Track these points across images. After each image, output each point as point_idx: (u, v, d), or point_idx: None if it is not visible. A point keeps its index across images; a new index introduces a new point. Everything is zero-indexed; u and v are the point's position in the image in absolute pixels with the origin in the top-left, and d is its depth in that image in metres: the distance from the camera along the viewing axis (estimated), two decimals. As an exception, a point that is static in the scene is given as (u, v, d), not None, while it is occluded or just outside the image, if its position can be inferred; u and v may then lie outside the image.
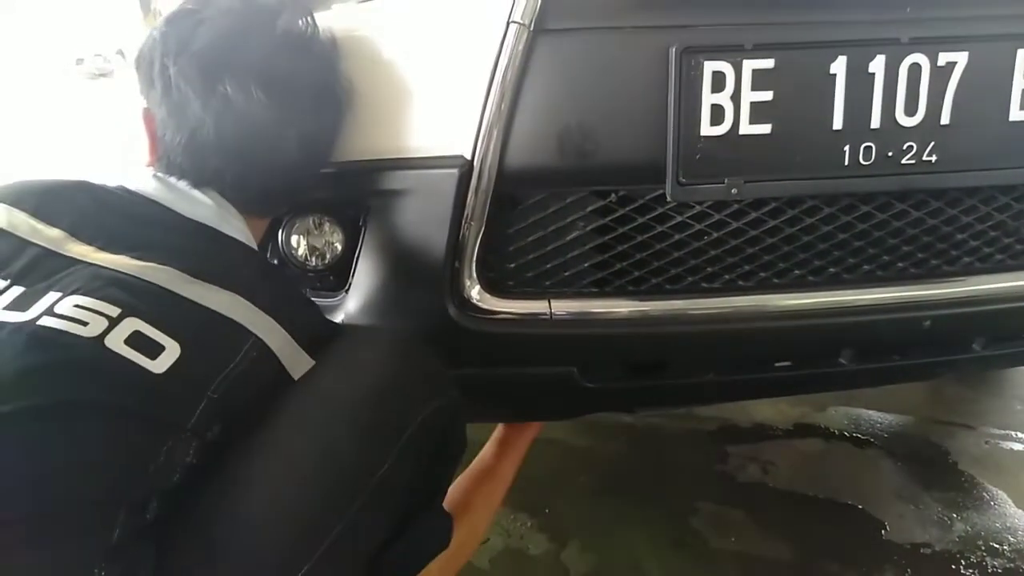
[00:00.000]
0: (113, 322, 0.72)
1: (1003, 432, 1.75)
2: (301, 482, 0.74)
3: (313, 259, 1.13)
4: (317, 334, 0.88)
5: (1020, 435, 1.74)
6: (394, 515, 0.84)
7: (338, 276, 1.11)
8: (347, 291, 1.08)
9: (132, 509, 0.67)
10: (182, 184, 0.93)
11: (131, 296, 0.75)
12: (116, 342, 0.71)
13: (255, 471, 0.74)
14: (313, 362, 0.84)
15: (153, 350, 0.72)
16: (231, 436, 0.76)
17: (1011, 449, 1.70)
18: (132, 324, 0.72)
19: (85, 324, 0.71)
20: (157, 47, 0.92)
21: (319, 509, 0.74)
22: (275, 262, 1.13)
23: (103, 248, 0.81)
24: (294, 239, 1.13)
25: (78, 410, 0.67)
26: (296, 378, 0.83)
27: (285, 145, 0.94)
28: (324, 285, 1.12)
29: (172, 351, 0.73)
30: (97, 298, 0.74)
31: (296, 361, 0.83)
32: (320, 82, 0.97)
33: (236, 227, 0.93)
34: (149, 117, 0.95)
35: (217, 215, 0.91)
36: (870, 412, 1.82)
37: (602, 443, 1.69)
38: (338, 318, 1.07)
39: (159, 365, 0.72)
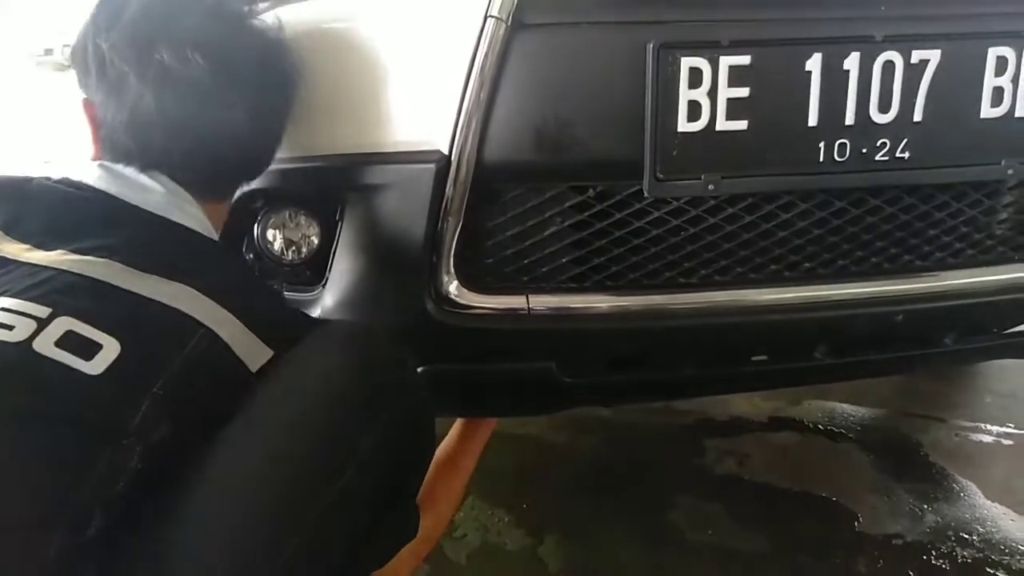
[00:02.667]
0: (42, 323, 0.68)
1: (973, 425, 1.78)
2: (254, 492, 0.69)
3: (289, 253, 1.13)
4: (277, 322, 0.84)
5: (990, 427, 1.77)
6: (360, 521, 0.78)
7: (315, 270, 1.10)
8: (324, 286, 1.08)
9: (69, 528, 0.62)
10: (129, 171, 0.89)
11: (64, 294, 0.72)
12: (45, 345, 0.67)
13: (206, 481, 0.69)
14: (271, 352, 0.80)
15: (89, 350, 0.68)
16: (183, 436, 0.71)
17: (981, 441, 1.73)
18: (64, 324, 0.69)
19: (11, 328, 0.67)
20: (89, 30, 0.89)
21: (273, 521, 0.68)
22: (251, 256, 1.12)
23: (38, 246, 0.77)
24: (270, 233, 1.12)
25: (1, 423, 0.63)
26: (254, 369, 0.78)
27: (232, 116, 0.90)
28: (301, 279, 1.11)
29: (110, 349, 0.69)
30: (25, 299, 0.70)
31: (252, 351, 0.79)
32: (261, 56, 0.95)
33: (190, 213, 0.89)
34: (89, 105, 0.91)
35: (167, 201, 0.88)
36: (844, 406, 1.85)
37: (579, 438, 1.70)
38: (315, 312, 1.07)
39: (95, 366, 0.68)
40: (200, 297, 0.78)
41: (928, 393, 1.94)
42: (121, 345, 0.70)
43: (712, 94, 0.93)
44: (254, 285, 0.94)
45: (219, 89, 0.89)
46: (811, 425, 1.77)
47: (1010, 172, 1.02)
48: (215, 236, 0.95)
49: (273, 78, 0.96)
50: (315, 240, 1.10)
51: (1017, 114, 0.99)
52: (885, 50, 0.94)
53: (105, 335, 0.70)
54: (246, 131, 0.92)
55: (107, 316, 0.72)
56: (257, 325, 0.80)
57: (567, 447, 1.68)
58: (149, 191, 0.88)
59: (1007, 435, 1.74)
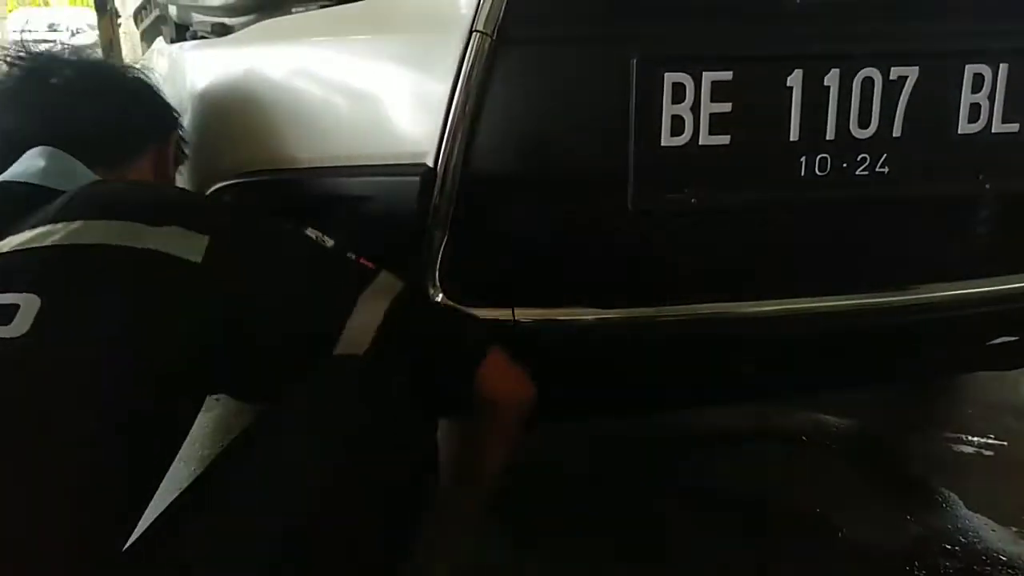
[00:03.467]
0: None
1: (956, 436, 1.79)
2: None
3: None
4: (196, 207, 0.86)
5: (972, 438, 1.78)
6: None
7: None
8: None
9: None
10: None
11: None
12: None
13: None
14: (207, 236, 0.78)
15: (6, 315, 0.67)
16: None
17: (963, 452, 1.74)
18: None
19: None
20: None
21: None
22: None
23: None
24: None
25: None
26: (198, 260, 0.76)
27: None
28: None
29: (30, 306, 0.68)
30: None
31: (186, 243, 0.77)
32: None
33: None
34: None
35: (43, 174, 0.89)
36: (828, 416, 1.85)
37: (561, 449, 1.70)
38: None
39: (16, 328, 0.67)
40: (116, 224, 0.77)
41: (912, 404, 1.95)
42: (40, 299, 0.69)
43: (695, 109, 0.94)
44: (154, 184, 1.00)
45: None
46: (795, 436, 1.78)
47: (988, 187, 1.04)
48: None
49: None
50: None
51: (994, 130, 1.01)
52: (864, 67, 0.96)
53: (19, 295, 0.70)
54: None
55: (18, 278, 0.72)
56: (200, 224, 0.79)
57: (549, 459, 1.67)
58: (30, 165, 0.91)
59: (988, 446, 1.75)
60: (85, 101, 1.00)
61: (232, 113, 1.09)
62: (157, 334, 0.74)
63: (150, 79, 1.13)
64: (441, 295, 1.01)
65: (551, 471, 1.65)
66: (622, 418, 1.66)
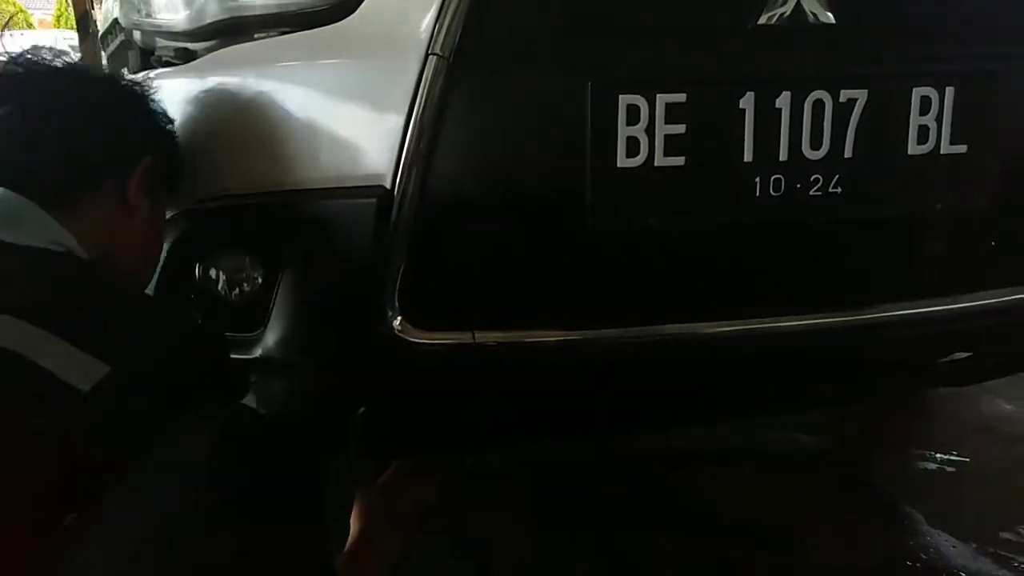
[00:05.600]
0: None
1: (919, 452, 1.81)
2: None
3: (232, 293, 1.11)
4: (111, 333, 0.76)
5: (935, 455, 1.80)
6: None
7: (257, 310, 1.08)
8: (265, 326, 1.06)
9: None
10: None
11: None
12: None
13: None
14: (98, 361, 0.71)
15: None
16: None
17: (926, 469, 1.76)
18: None
19: None
20: None
21: None
22: (192, 297, 1.10)
23: None
24: (212, 272, 1.10)
25: None
26: (87, 388, 0.70)
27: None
28: (243, 320, 1.10)
29: None
30: None
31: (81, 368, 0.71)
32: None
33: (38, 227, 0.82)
34: None
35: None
36: (798, 435, 1.87)
37: (528, 473, 1.69)
38: (254, 354, 1.05)
39: None
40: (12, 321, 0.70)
41: (875, 422, 1.97)
42: None
43: (650, 131, 0.95)
44: (85, 294, 0.82)
45: None
46: (766, 455, 1.79)
47: (939, 206, 1.06)
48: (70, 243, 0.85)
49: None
50: (257, 279, 1.08)
51: (942, 151, 1.03)
52: (814, 89, 0.98)
53: None
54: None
55: None
56: (84, 340, 0.72)
57: (520, 483, 1.66)
58: None
59: (950, 462, 1.77)
60: (31, 120, 0.88)
61: (194, 138, 1.08)
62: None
63: (132, 88, 1.01)
64: (399, 319, 1.01)
65: (518, 495, 1.64)
66: (585, 440, 1.65)
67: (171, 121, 1.05)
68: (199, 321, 1.10)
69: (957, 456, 1.80)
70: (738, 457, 1.78)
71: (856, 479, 1.72)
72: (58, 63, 0.95)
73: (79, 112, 0.92)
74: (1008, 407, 2.02)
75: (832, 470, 1.75)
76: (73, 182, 0.89)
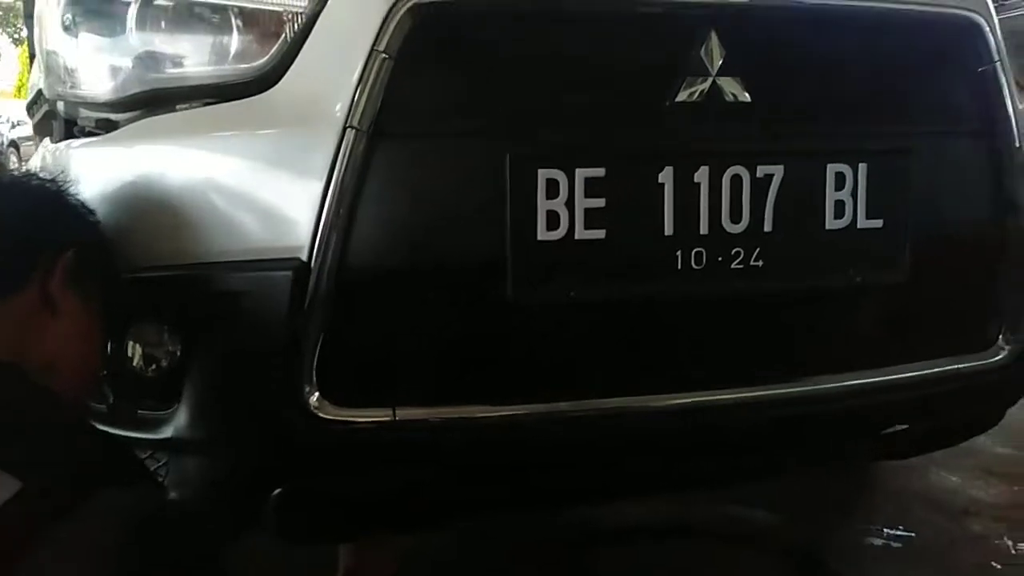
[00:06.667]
0: None
1: (865, 527, 1.79)
2: None
3: (148, 369, 1.07)
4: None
5: (881, 529, 1.78)
6: None
7: (171, 387, 1.04)
8: (179, 403, 1.02)
9: None
10: None
11: None
12: None
13: None
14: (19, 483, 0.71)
15: None
16: None
17: (872, 544, 1.73)
18: None
19: None
20: None
21: None
22: (106, 373, 1.07)
23: None
24: (129, 346, 1.06)
25: None
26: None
27: None
28: (157, 396, 1.06)
29: None
30: None
31: None
32: None
33: None
34: None
35: None
36: (740, 508, 1.84)
37: (459, 551, 1.63)
38: (167, 433, 1.01)
39: None
40: None
41: (821, 495, 1.94)
42: None
43: (570, 204, 0.96)
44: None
45: None
46: (707, 530, 1.75)
47: (858, 279, 1.08)
48: None
49: None
50: (172, 355, 1.05)
51: (859, 226, 1.05)
52: (732, 165, 0.99)
53: None
54: None
55: None
56: None
57: (448, 562, 1.60)
58: None
59: (897, 537, 1.75)
60: None
61: (111, 209, 1.06)
62: None
63: (46, 186, 1.01)
64: (316, 395, 0.98)
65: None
66: (520, 516, 1.60)
67: (92, 212, 1.03)
68: (112, 398, 1.06)
69: (904, 531, 1.78)
70: (679, 532, 1.74)
71: (802, 554, 1.68)
72: None
73: None
74: (954, 479, 2.02)
75: (776, 545, 1.71)
76: None
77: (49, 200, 1.00)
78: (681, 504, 1.81)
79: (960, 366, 1.19)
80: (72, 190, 1.02)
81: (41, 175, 1.02)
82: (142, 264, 1.02)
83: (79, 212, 1.01)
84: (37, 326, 0.94)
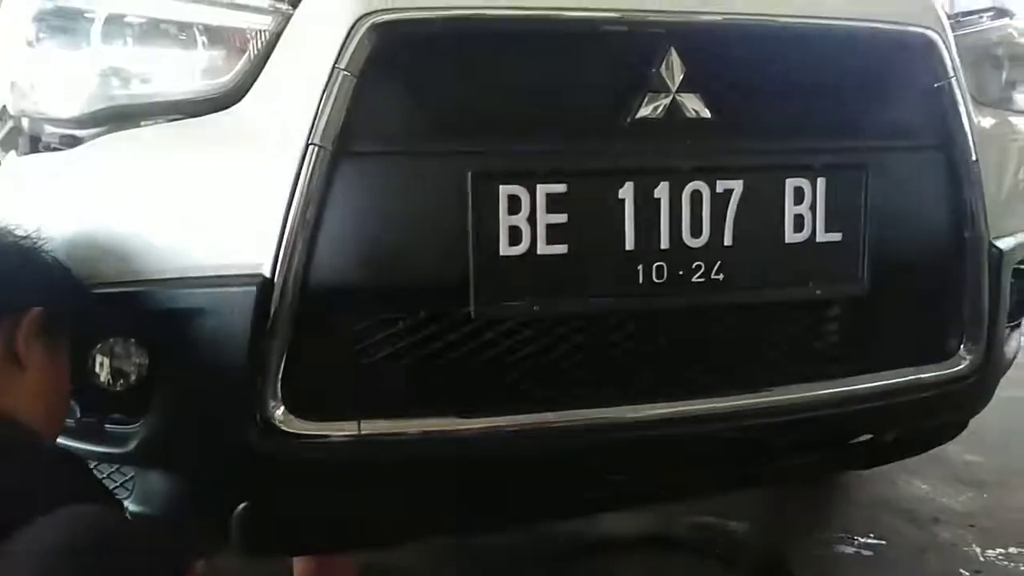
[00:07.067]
0: None
1: (837, 536, 1.80)
2: None
3: (117, 384, 1.07)
4: None
5: (852, 538, 1.80)
6: None
7: (137, 401, 1.04)
8: (145, 417, 1.02)
9: None
10: None
11: None
12: None
13: None
14: None
15: None
16: None
17: (843, 553, 1.75)
18: None
19: None
20: None
21: None
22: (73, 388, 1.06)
23: None
24: (96, 361, 1.06)
25: None
26: None
27: None
28: (124, 411, 1.05)
29: None
30: None
31: None
32: None
33: None
34: None
35: None
36: (714, 520, 1.85)
37: (437, 567, 1.63)
38: (130, 446, 1.01)
39: None
40: None
41: (794, 505, 1.96)
42: None
43: (531, 220, 0.97)
44: None
45: None
46: (680, 541, 1.76)
47: (818, 292, 1.09)
48: None
49: None
50: (139, 369, 1.04)
51: (818, 239, 1.07)
52: (692, 180, 1.01)
53: None
54: None
55: None
56: None
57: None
58: None
59: (867, 546, 1.77)
60: None
61: (76, 224, 1.06)
62: None
63: (17, 242, 1.00)
64: (282, 409, 0.98)
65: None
66: (487, 532, 1.60)
67: (66, 271, 1.02)
68: (80, 413, 1.06)
69: (874, 539, 1.80)
70: (651, 543, 1.74)
71: (772, 565, 1.69)
72: None
73: None
74: (924, 487, 2.04)
75: (749, 555, 1.73)
76: None
77: (21, 257, 1.00)
78: (653, 515, 1.82)
79: (922, 376, 1.21)
80: (47, 247, 1.02)
81: (16, 232, 1.02)
82: (107, 280, 1.02)
83: (51, 270, 1.02)
84: (2, 379, 0.94)
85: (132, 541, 0.79)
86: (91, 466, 1.04)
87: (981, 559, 1.72)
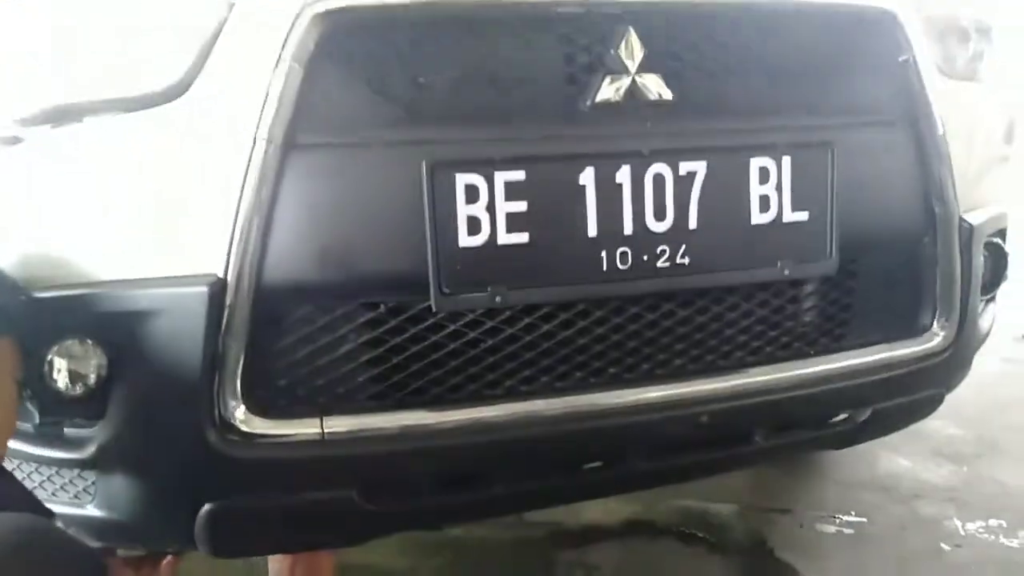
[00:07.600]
0: None
1: (817, 515, 1.80)
2: None
3: (75, 387, 1.04)
4: None
5: (833, 517, 1.80)
6: None
7: (96, 404, 1.02)
8: (103, 420, 1.00)
9: None
10: None
11: None
12: None
13: None
14: None
15: None
16: None
17: (824, 532, 1.75)
18: None
19: None
20: None
21: None
22: (28, 392, 1.04)
23: None
24: (54, 364, 1.03)
25: None
26: None
27: None
28: (81, 414, 1.03)
29: None
30: None
31: None
32: None
33: None
34: None
35: None
36: (696, 504, 1.84)
37: (424, 561, 1.62)
38: (90, 450, 0.99)
39: None
40: None
41: (776, 485, 1.96)
42: None
43: (490, 209, 0.94)
44: None
45: None
46: (663, 527, 1.76)
47: (786, 272, 1.08)
48: None
49: None
50: (97, 372, 1.02)
51: (784, 219, 1.05)
52: (653, 163, 0.99)
53: None
54: None
55: None
56: None
57: (411, 572, 1.59)
58: None
59: (848, 524, 1.77)
60: None
61: (22, 227, 1.03)
62: None
63: None
64: (242, 408, 0.96)
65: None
66: (462, 524, 1.59)
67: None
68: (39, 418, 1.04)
69: (856, 517, 1.80)
70: (635, 529, 1.74)
71: (755, 546, 1.69)
72: None
73: None
74: (905, 463, 2.04)
75: (729, 537, 1.72)
76: None
77: None
78: (635, 501, 1.82)
79: (896, 353, 1.20)
80: None
81: None
82: (58, 281, 0.99)
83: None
84: None
85: (54, 547, 0.77)
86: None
87: (962, 533, 1.72)
